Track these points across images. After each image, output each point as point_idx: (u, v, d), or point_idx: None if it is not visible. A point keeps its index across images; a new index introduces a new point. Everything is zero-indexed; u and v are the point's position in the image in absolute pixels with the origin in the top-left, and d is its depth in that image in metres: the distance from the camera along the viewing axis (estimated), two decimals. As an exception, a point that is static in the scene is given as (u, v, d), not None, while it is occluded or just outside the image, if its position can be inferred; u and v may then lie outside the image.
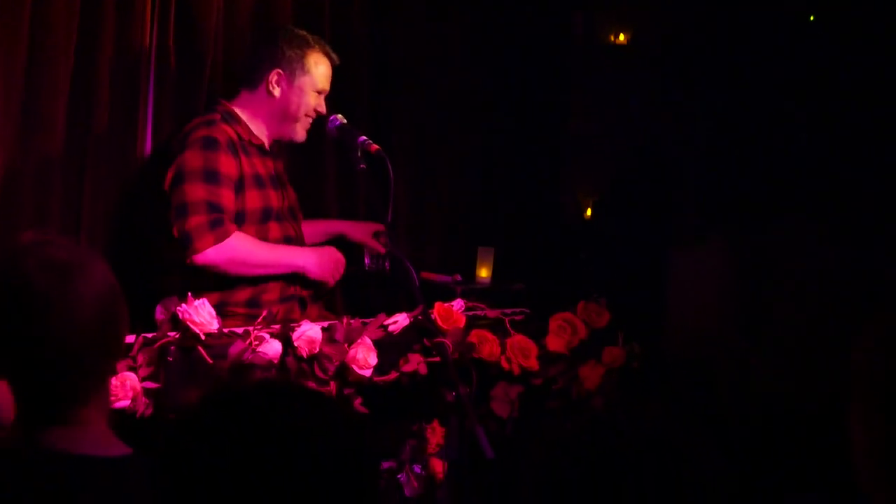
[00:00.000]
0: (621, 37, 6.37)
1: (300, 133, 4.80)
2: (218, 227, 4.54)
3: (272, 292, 4.74)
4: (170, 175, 4.57)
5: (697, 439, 1.88)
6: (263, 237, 4.71)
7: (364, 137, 4.63)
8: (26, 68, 4.62)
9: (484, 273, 5.23)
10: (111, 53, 4.89)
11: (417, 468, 4.30)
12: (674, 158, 6.35)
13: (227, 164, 4.60)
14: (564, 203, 6.31)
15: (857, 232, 6.11)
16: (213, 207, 4.54)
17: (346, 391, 4.08)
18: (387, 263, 4.86)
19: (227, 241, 4.55)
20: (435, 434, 4.32)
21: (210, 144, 4.60)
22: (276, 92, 4.76)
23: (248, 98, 4.81)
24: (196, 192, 4.54)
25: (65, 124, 4.73)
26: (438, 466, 4.30)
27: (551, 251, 5.98)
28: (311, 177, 5.33)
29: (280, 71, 4.76)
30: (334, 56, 4.86)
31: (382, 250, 4.89)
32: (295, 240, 4.88)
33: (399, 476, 4.25)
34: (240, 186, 4.65)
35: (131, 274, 4.07)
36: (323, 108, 4.78)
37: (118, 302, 2.57)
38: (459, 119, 5.92)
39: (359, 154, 4.61)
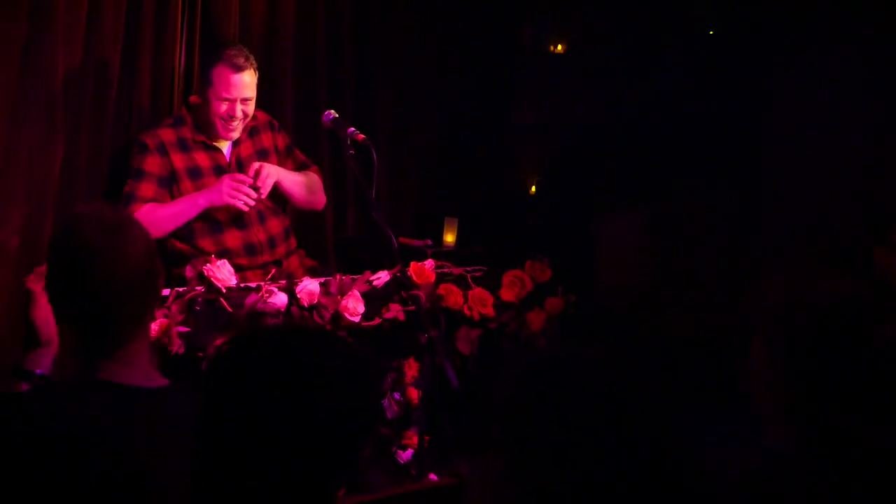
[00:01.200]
0: (559, 47, 6.36)
1: (223, 133, 4.67)
2: (124, 207, 4.42)
3: (241, 261, 4.63)
4: None
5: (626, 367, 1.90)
6: (211, 217, 4.64)
7: (353, 129, 4.56)
8: (79, 90, 4.64)
9: (450, 238, 5.21)
10: (149, 68, 4.91)
11: (397, 395, 4.29)
12: (601, 145, 6.34)
13: (150, 164, 4.54)
14: (514, 181, 6.29)
15: (743, 202, 6.15)
16: (128, 198, 4.48)
17: (340, 334, 4.07)
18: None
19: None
20: (411, 368, 4.30)
21: (141, 149, 4.56)
22: (200, 101, 4.67)
23: (195, 105, 4.74)
24: (125, 188, 4.51)
25: (112, 127, 4.76)
26: (414, 394, 4.28)
27: (504, 220, 5.97)
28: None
29: (200, 84, 4.70)
30: (243, 64, 4.61)
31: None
32: (251, 217, 4.75)
33: (382, 402, 4.25)
34: (171, 180, 4.60)
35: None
36: (236, 112, 4.60)
37: (155, 256, 2.59)
38: (428, 112, 5.89)
39: (348, 142, 4.54)
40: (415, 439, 4.30)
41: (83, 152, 4.69)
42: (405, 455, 4.30)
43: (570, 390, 1.82)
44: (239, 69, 4.59)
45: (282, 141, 4.87)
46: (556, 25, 6.35)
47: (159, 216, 4.48)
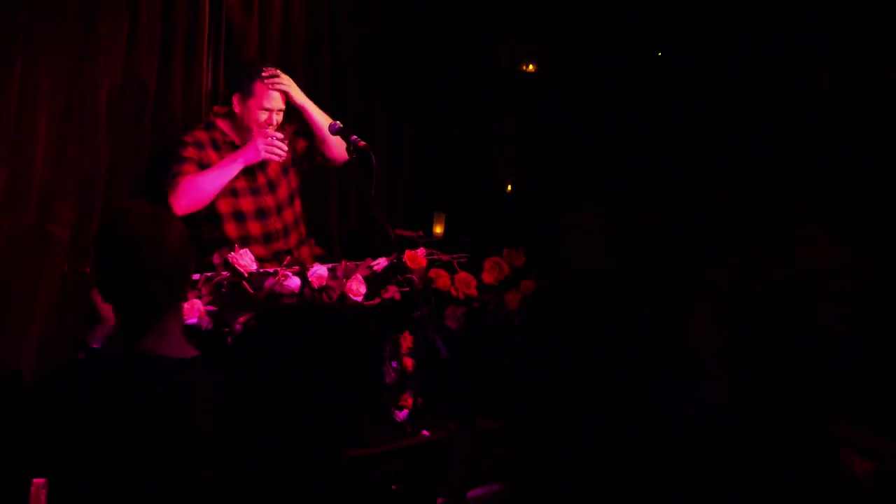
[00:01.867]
0: (531, 66, 6.36)
1: None
2: (171, 182, 4.43)
3: (259, 248, 4.60)
4: None
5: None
6: (237, 207, 4.62)
7: (355, 136, 4.55)
8: (121, 103, 4.67)
9: (438, 230, 5.19)
10: (180, 86, 4.91)
11: (394, 364, 4.31)
12: (567, 148, 6.35)
13: (190, 153, 4.49)
14: (493, 181, 6.28)
15: (685, 199, 6.17)
16: (174, 174, 4.44)
17: (344, 312, 4.08)
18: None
19: (178, 187, 4.40)
20: (406, 340, 4.31)
21: (182, 144, 4.52)
22: (238, 109, 4.60)
23: (228, 113, 4.69)
24: (170, 171, 4.47)
25: (150, 136, 4.80)
26: (409, 363, 4.31)
27: (485, 214, 5.96)
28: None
29: (238, 94, 4.62)
30: None
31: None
32: (271, 209, 4.73)
33: (382, 369, 4.26)
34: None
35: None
36: (273, 122, 4.60)
37: (189, 245, 2.58)
38: (420, 122, 5.88)
39: (351, 148, 4.57)
40: (410, 401, 4.34)
41: (125, 157, 4.69)
42: (401, 415, 4.31)
43: (555, 364, 1.85)
44: None
45: (300, 144, 4.83)
46: (527, 48, 6.35)
47: (202, 180, 4.45)
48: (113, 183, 4.64)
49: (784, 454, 2.31)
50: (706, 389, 2.42)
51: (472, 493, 3.16)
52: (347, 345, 1.89)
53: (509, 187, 6.29)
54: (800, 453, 2.34)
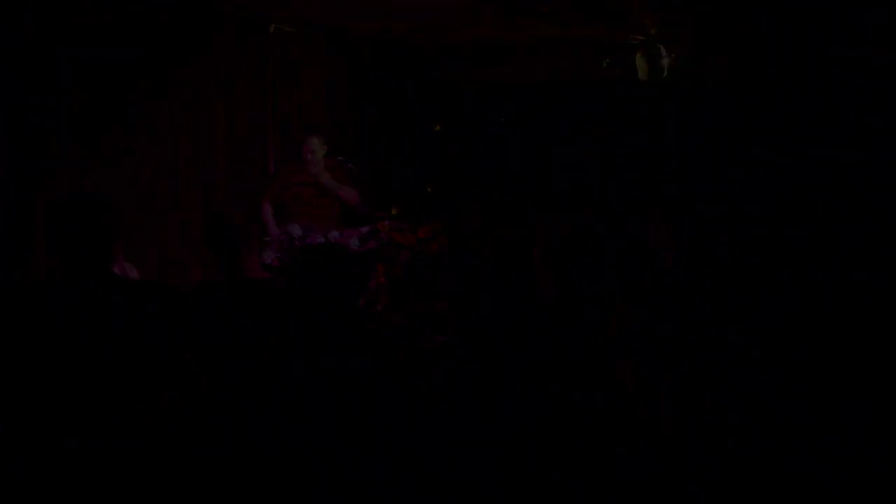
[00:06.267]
0: (437, 128, 6.22)
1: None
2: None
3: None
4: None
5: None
6: None
7: (350, 165, 4.49)
8: (230, 157, 4.34)
9: (394, 212, 5.04)
10: (262, 139, 4.61)
11: (372, 284, 4.23)
12: (458, 173, 6.28)
13: None
14: (422, 188, 6.17)
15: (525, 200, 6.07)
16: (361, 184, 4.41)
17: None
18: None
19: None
20: (380, 266, 4.23)
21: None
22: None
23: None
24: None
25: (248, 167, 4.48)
26: (382, 278, 4.22)
27: (419, 203, 5.83)
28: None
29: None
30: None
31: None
32: None
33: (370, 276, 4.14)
34: None
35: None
36: None
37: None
38: (385, 163, 5.58)
39: (346, 171, 4.52)
40: (383, 298, 4.26)
41: (233, 173, 4.37)
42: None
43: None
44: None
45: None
46: (436, 118, 6.27)
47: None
48: (229, 187, 4.34)
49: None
50: (543, 286, 2.42)
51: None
52: (349, 263, 1.84)
53: (429, 189, 6.23)
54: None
